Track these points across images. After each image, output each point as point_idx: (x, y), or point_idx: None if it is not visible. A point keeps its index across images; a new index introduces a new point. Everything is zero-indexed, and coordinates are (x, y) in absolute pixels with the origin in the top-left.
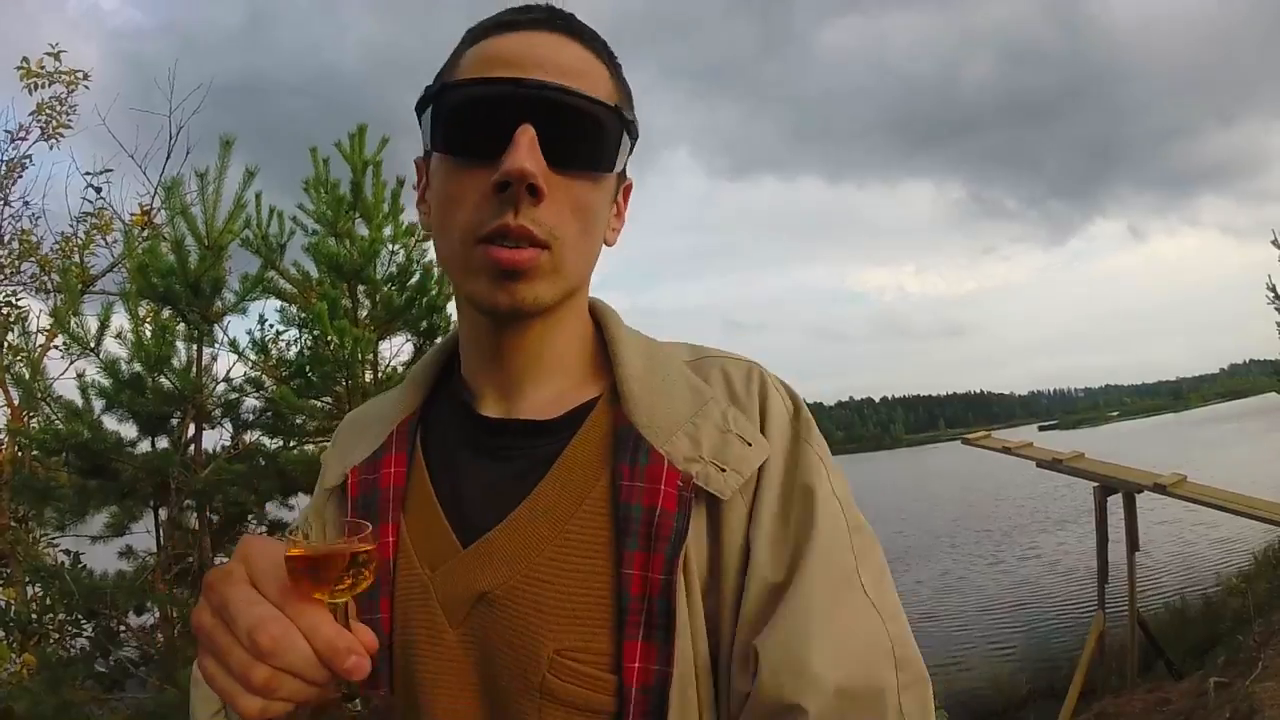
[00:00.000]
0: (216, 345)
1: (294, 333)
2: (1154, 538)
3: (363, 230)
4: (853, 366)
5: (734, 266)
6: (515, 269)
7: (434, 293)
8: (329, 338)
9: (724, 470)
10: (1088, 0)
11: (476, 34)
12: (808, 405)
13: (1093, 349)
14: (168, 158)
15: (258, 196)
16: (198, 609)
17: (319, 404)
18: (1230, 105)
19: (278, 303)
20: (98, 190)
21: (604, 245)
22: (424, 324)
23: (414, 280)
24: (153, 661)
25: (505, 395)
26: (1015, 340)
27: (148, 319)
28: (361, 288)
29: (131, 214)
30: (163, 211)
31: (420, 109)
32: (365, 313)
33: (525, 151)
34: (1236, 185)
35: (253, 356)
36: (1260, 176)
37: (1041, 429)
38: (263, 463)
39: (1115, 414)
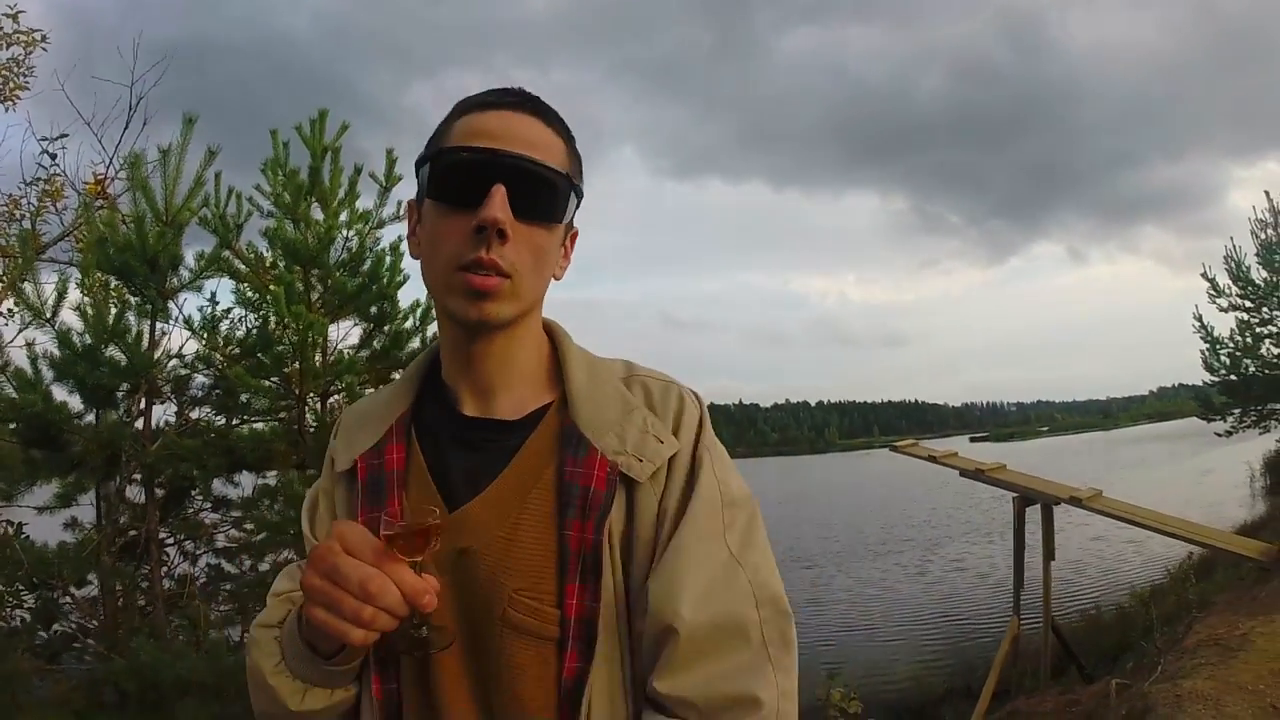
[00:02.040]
0: (171, 321)
1: (240, 311)
2: (1088, 551)
3: (318, 214)
4: (790, 370)
5: (675, 266)
6: (484, 291)
7: (385, 280)
8: (285, 320)
9: (641, 461)
10: (1047, 26)
11: (465, 108)
12: (744, 405)
13: (1027, 365)
14: (125, 127)
15: (217, 176)
16: (307, 575)
17: (269, 384)
18: (1179, 140)
19: (229, 281)
20: (53, 157)
21: (553, 279)
22: (374, 310)
23: (367, 266)
24: (95, 633)
25: (480, 396)
26: (951, 352)
27: (93, 290)
28: (315, 272)
29: (85, 183)
30: (116, 181)
31: (419, 165)
32: (317, 296)
33: (498, 205)
34: (1177, 218)
35: (205, 334)
36: (1201, 211)
37: (973, 440)
38: (211, 438)
39: (1045, 429)
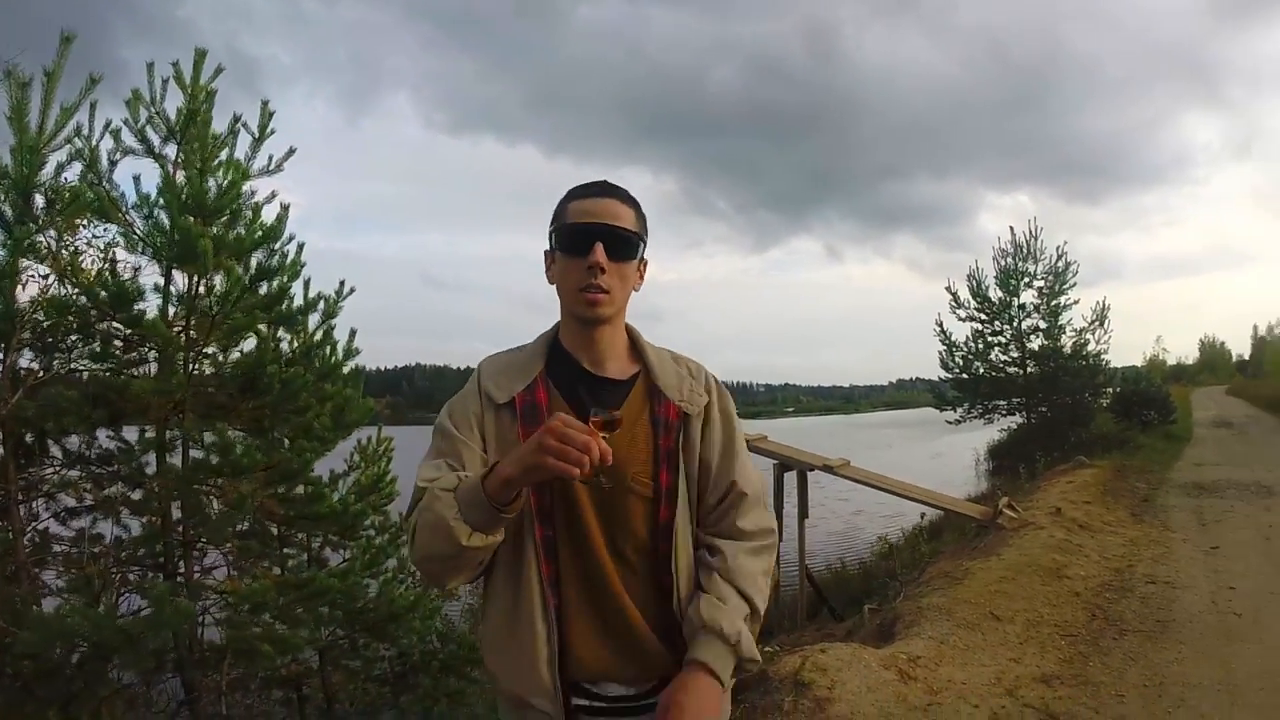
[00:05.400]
0: (45, 265)
1: (115, 254)
2: (850, 524)
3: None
4: None
5: (439, 223)
6: (595, 302)
7: (277, 237)
8: (210, 273)
9: (693, 406)
10: (844, 39)
11: (574, 194)
12: None
13: (778, 351)
14: None
15: (93, 106)
16: (545, 439)
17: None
18: (946, 162)
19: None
20: None
21: (634, 291)
22: (254, 260)
23: (235, 215)
24: None
25: (595, 364)
26: (708, 333)
27: None
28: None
29: None
30: None
31: (551, 232)
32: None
33: (599, 254)
34: (931, 231)
35: (75, 277)
36: (953, 227)
37: None
38: (88, 388)
39: (791, 410)
